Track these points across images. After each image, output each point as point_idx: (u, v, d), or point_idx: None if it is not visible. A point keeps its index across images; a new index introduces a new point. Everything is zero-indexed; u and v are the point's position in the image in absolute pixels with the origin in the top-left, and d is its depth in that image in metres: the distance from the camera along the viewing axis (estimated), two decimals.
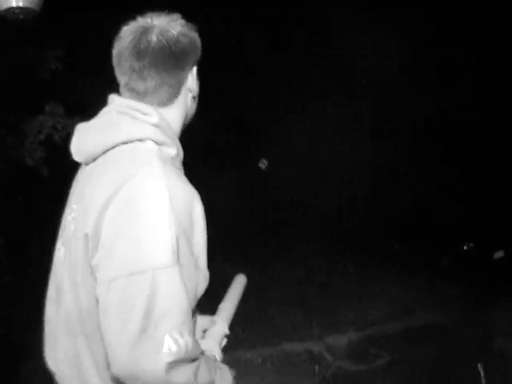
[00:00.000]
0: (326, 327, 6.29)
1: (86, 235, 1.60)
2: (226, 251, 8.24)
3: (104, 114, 1.79)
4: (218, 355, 2.01)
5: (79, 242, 1.63)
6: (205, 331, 2.15)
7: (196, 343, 1.58)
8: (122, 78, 1.76)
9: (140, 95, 1.72)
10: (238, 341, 5.65)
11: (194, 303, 1.62)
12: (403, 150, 11.72)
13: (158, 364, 1.45)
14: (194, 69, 1.79)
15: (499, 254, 8.95)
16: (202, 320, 2.15)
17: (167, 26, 1.70)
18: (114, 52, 1.76)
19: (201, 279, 1.65)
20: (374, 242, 9.61)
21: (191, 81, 1.78)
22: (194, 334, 1.58)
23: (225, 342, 2.17)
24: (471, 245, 9.36)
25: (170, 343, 1.46)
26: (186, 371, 1.52)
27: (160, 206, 1.52)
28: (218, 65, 9.79)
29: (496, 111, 10.82)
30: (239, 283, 2.46)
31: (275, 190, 10.54)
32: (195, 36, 1.76)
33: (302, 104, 10.90)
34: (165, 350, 1.46)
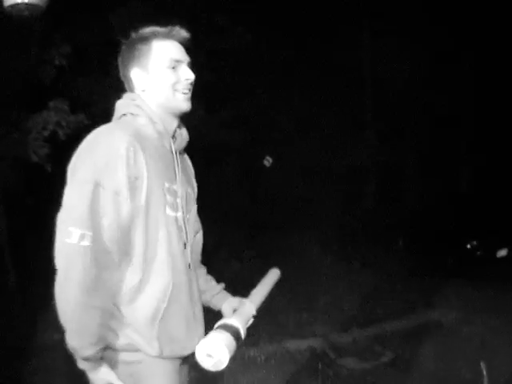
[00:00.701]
0: (329, 325, 6.29)
1: None
2: (232, 248, 8.26)
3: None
4: (243, 330, 2.22)
5: None
6: (235, 310, 2.36)
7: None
8: None
9: None
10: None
11: (114, 220, 1.93)
12: (409, 149, 11.72)
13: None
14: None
15: (503, 252, 8.95)
16: (233, 300, 2.43)
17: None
18: None
19: (122, 202, 1.94)
20: (379, 240, 9.60)
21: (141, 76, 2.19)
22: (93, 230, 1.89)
23: (251, 321, 2.38)
24: (475, 243, 9.35)
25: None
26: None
27: (93, 142, 2.01)
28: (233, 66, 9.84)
29: (500, 109, 10.81)
30: (272, 276, 2.68)
31: (280, 187, 10.56)
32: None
33: (307, 104, 10.92)
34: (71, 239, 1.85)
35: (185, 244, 2.16)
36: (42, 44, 7.27)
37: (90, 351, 1.88)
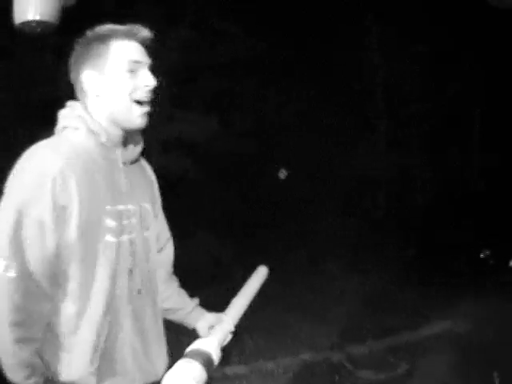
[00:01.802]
0: (345, 336, 6.29)
1: None
2: (240, 257, 8.26)
3: None
4: (215, 353, 2.11)
5: None
6: (211, 327, 2.24)
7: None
8: None
9: None
10: (259, 351, 5.70)
11: (40, 253, 1.79)
12: (420, 155, 11.70)
13: None
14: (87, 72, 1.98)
15: None
16: (209, 317, 2.28)
17: None
18: None
19: (45, 233, 1.79)
20: (392, 250, 9.60)
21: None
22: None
23: (229, 338, 2.27)
24: (488, 252, 9.33)
25: None
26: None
27: (20, 167, 1.85)
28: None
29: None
30: (258, 275, 2.52)
31: (288, 192, 10.53)
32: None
33: (318, 113, 10.91)
34: None
35: (131, 270, 1.96)
36: (56, 57, 7.34)
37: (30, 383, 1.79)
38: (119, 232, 1.91)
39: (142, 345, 1.97)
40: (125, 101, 1.93)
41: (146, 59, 1.99)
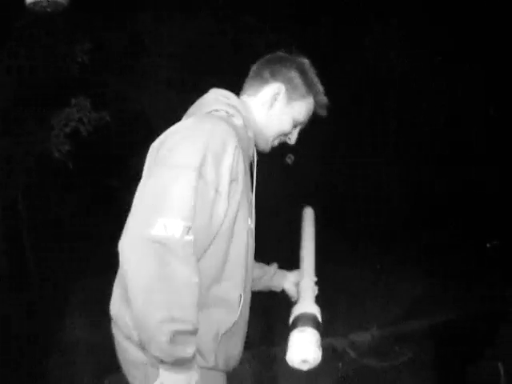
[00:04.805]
0: (349, 324, 6.28)
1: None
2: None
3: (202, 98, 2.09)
4: (317, 311, 2.14)
5: None
6: (297, 284, 2.35)
7: (187, 247, 1.65)
8: None
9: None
10: (263, 337, 5.69)
11: (207, 222, 1.73)
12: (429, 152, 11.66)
13: (142, 237, 1.61)
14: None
15: None
16: (293, 275, 2.47)
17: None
18: None
19: (219, 202, 1.75)
20: (399, 240, 9.58)
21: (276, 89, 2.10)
22: (185, 235, 1.64)
23: (316, 289, 2.32)
24: (495, 243, 9.26)
25: (160, 228, 1.61)
26: (158, 257, 1.61)
27: (200, 125, 1.81)
28: None
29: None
30: (309, 219, 2.57)
31: (304, 189, 10.52)
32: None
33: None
34: (153, 231, 1.61)
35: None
36: (64, 40, 7.32)
37: (192, 348, 1.68)
38: (252, 219, 2.01)
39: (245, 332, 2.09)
40: (274, 133, 2.12)
41: (305, 121, 2.19)
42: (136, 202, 1.72)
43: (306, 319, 2.07)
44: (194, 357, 1.70)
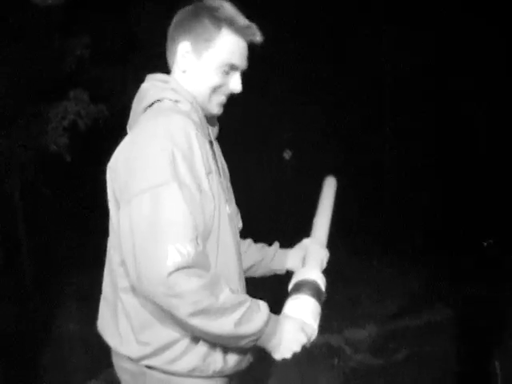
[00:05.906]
0: (345, 320, 6.28)
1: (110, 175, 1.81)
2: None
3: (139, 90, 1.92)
4: (320, 279, 2.01)
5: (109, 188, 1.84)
6: (303, 259, 2.17)
7: (203, 256, 1.62)
8: None
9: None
10: None
11: (202, 225, 1.67)
12: (426, 151, 11.64)
13: (162, 274, 1.51)
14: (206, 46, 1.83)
15: None
16: (297, 251, 2.25)
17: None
18: None
19: (206, 201, 1.70)
20: (396, 237, 9.57)
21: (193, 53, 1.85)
22: (197, 247, 1.60)
23: (326, 260, 2.18)
24: (491, 241, 9.25)
25: (174, 254, 1.52)
26: (191, 280, 1.54)
27: (154, 135, 1.65)
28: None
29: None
30: (330, 187, 2.41)
31: (301, 185, 10.52)
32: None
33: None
34: (169, 261, 1.52)
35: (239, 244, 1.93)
36: (63, 33, 7.30)
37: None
38: (229, 204, 1.87)
39: None
40: (207, 91, 1.85)
41: (244, 64, 1.88)
42: (127, 244, 1.63)
43: (304, 286, 1.92)
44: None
